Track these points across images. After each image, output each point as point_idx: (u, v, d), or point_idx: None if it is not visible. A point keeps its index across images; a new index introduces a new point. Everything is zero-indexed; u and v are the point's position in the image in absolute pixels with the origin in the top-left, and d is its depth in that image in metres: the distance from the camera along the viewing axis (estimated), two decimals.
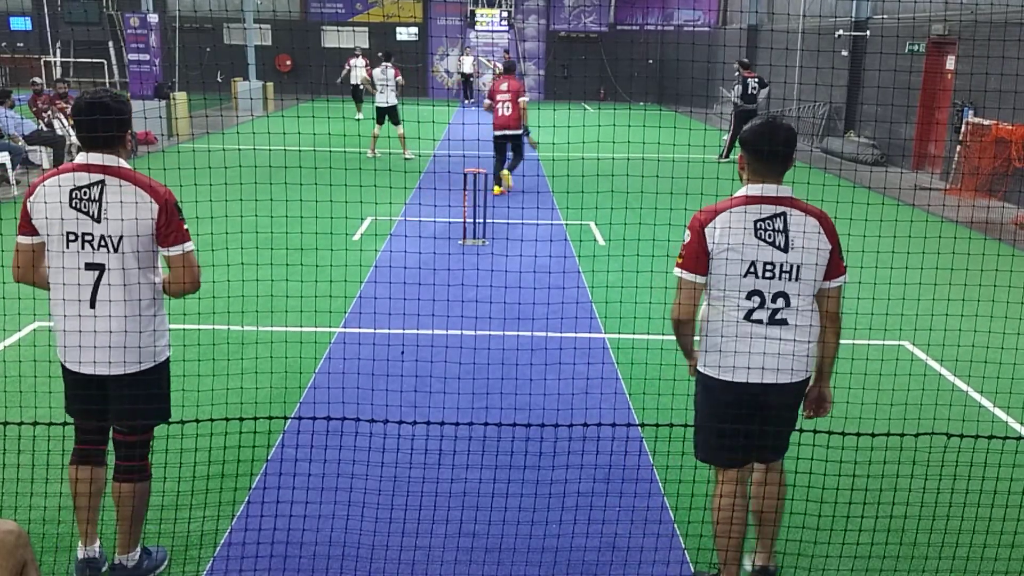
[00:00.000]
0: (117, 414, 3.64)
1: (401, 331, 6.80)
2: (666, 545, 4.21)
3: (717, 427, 3.60)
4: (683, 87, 27.40)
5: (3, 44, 31.83)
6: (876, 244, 7.14)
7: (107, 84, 28.02)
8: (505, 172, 13.44)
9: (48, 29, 30.93)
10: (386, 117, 16.71)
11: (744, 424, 3.54)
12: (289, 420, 5.26)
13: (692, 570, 4.02)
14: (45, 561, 3.91)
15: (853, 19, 19.61)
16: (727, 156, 17.51)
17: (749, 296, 3.43)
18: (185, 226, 3.56)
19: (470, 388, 6.01)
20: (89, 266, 3.47)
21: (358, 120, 22.75)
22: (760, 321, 3.43)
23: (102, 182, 3.43)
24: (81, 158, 3.49)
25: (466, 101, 30.82)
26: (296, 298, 6.33)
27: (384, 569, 3.92)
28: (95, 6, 24.78)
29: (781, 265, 3.40)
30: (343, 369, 4.98)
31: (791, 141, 3.47)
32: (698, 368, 3.63)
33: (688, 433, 4.02)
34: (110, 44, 28.42)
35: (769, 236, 3.39)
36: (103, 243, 3.45)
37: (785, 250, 3.39)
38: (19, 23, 32.97)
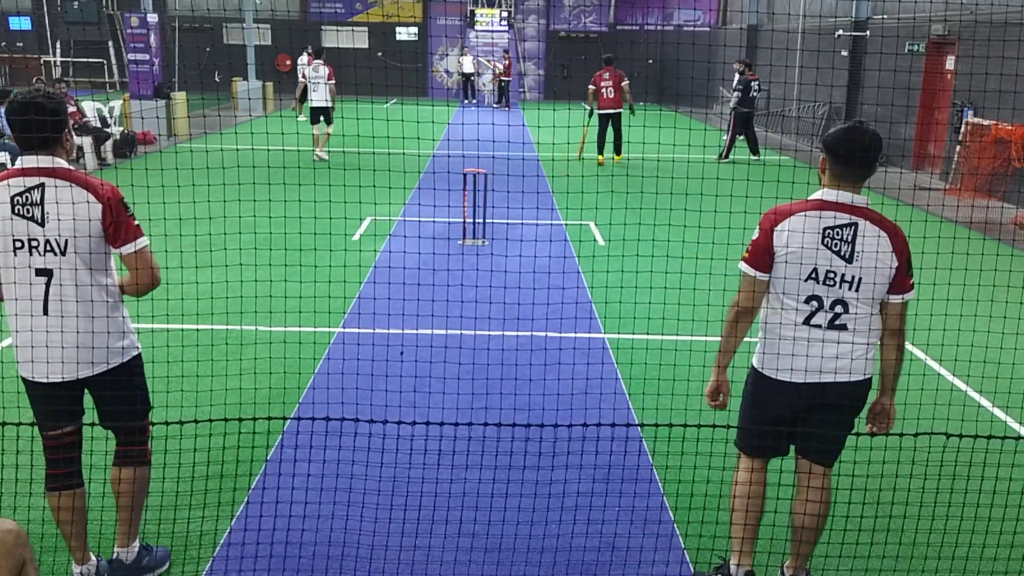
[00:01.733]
0: (104, 416, 3.61)
1: (400, 331, 6.80)
2: (666, 545, 4.21)
3: (761, 423, 3.66)
4: (683, 87, 27.40)
5: (2, 44, 31.82)
6: None
7: (106, 84, 28.03)
8: (614, 155, 16.20)
9: (48, 29, 30.93)
10: (321, 117, 16.16)
11: (783, 421, 3.61)
12: (288, 420, 5.26)
13: (692, 570, 4.02)
14: (45, 561, 3.91)
15: (853, 19, 19.62)
16: (726, 157, 17.51)
17: (808, 300, 3.45)
18: (136, 222, 3.47)
19: (470, 388, 6.01)
20: (39, 272, 3.39)
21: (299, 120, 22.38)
22: (819, 326, 3.46)
23: (42, 185, 3.34)
24: (20, 162, 3.40)
25: (466, 101, 30.76)
26: (295, 298, 6.32)
27: (384, 569, 3.92)
28: (94, 6, 24.78)
29: (843, 275, 3.41)
30: (342, 369, 4.97)
31: (874, 147, 3.43)
32: (753, 364, 3.67)
33: (688, 433, 4.02)
34: (109, 44, 28.41)
35: (835, 245, 3.40)
36: (49, 247, 3.36)
37: (849, 261, 3.40)
38: (18, 23, 32.96)
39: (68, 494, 3.62)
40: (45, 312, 3.42)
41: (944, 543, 4.11)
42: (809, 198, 3.53)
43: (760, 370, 3.63)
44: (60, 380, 3.48)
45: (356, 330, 6.94)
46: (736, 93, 17.52)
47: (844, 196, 3.43)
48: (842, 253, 3.40)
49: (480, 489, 4.29)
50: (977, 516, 4.14)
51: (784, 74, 22.01)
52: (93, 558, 3.79)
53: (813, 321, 3.46)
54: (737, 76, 17.79)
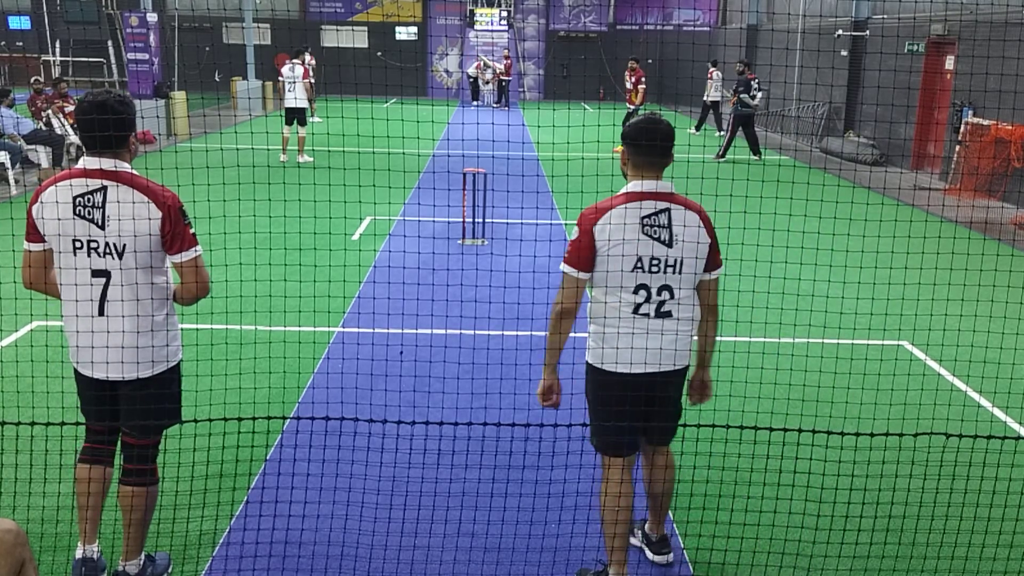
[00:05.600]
0: (129, 416, 3.61)
1: (400, 331, 6.80)
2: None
3: (611, 420, 3.68)
4: (683, 87, 27.40)
5: (2, 43, 31.82)
6: (876, 244, 7.15)
7: (106, 84, 28.04)
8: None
9: (47, 28, 30.93)
10: (295, 119, 15.85)
11: (632, 413, 3.64)
12: (288, 420, 5.26)
13: (692, 570, 4.01)
14: (44, 561, 3.91)
15: (853, 19, 19.62)
16: (723, 156, 17.52)
17: (636, 290, 3.54)
18: (192, 231, 3.52)
19: (470, 388, 6.01)
20: (95, 273, 3.43)
21: (312, 122, 22.30)
22: (647, 315, 3.55)
23: (105, 188, 3.38)
24: (84, 162, 3.44)
25: (475, 102, 30.62)
26: (295, 298, 6.33)
27: (384, 569, 3.92)
28: (94, 5, 24.76)
29: (665, 259, 3.51)
30: (342, 369, 4.98)
31: (670, 136, 3.57)
32: (588, 361, 3.71)
33: (687, 433, 4.02)
34: (109, 43, 28.41)
35: (655, 232, 3.50)
36: (108, 250, 3.40)
37: (670, 245, 3.50)
38: (18, 22, 32.95)
39: (97, 468, 3.68)
40: (101, 313, 3.47)
41: (944, 543, 4.11)
42: (618, 192, 3.60)
43: (597, 366, 3.66)
44: (119, 379, 3.53)
45: (356, 330, 6.94)
46: (743, 94, 17.46)
47: (649, 184, 3.53)
48: (662, 239, 3.50)
49: (480, 489, 4.29)
50: (977, 516, 4.14)
51: (784, 74, 22.02)
52: (97, 545, 3.79)
53: (641, 311, 3.54)
54: (740, 76, 17.79)
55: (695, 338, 3.72)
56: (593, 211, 3.55)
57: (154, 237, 3.43)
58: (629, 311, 3.54)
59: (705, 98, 22.28)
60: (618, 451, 3.74)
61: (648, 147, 3.52)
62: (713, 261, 3.61)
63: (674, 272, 3.52)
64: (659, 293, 3.53)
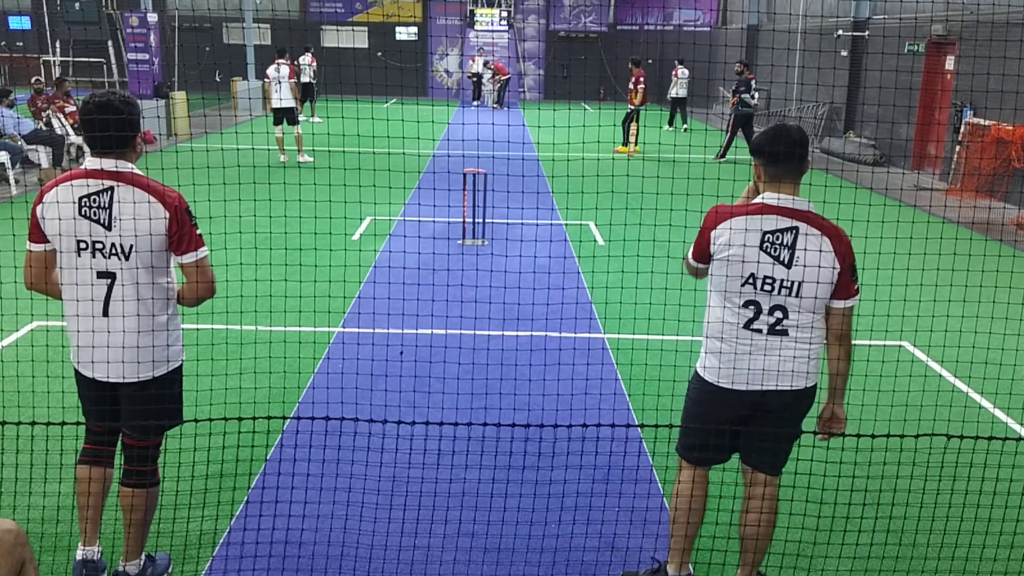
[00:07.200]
0: (129, 417, 3.61)
1: (400, 331, 6.80)
2: (665, 545, 4.20)
3: (700, 427, 3.59)
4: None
5: (2, 43, 31.81)
6: (876, 245, 7.14)
7: (106, 84, 28.05)
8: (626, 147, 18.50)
9: (48, 28, 30.92)
10: (284, 119, 15.70)
11: (730, 428, 3.55)
12: (288, 420, 5.26)
13: (691, 570, 4.01)
14: (44, 561, 3.91)
15: (853, 19, 19.62)
16: (723, 156, 17.50)
17: (746, 305, 3.39)
18: (198, 231, 3.51)
19: (470, 388, 6.01)
20: (100, 274, 3.42)
21: (312, 123, 22.23)
22: (759, 331, 3.39)
23: (111, 189, 3.37)
24: (90, 163, 3.43)
25: (475, 102, 30.60)
26: (295, 298, 6.33)
27: (384, 569, 3.92)
28: (94, 5, 24.74)
29: (782, 281, 3.33)
30: (342, 369, 4.98)
31: (800, 143, 3.38)
32: (696, 369, 3.62)
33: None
34: (109, 43, 28.40)
35: (774, 250, 3.33)
36: (114, 251, 3.40)
37: (788, 266, 3.32)
38: (18, 22, 32.94)
39: (97, 469, 3.68)
40: (105, 314, 3.46)
41: (944, 543, 4.12)
42: (753, 200, 3.47)
43: (702, 376, 3.56)
44: (120, 380, 3.53)
45: (356, 330, 6.94)
46: (744, 94, 17.43)
47: (785, 199, 3.36)
48: (781, 258, 3.32)
49: (480, 489, 4.29)
50: (977, 516, 4.14)
51: (784, 74, 22.02)
52: (98, 546, 3.79)
53: (754, 326, 3.39)
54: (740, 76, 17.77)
55: (812, 360, 3.45)
56: (722, 212, 3.43)
57: (161, 237, 3.42)
58: (740, 324, 3.40)
59: (670, 94, 23.27)
60: (693, 460, 3.67)
61: (772, 155, 3.36)
62: (845, 290, 3.36)
63: (791, 295, 3.33)
64: (771, 312, 3.36)
